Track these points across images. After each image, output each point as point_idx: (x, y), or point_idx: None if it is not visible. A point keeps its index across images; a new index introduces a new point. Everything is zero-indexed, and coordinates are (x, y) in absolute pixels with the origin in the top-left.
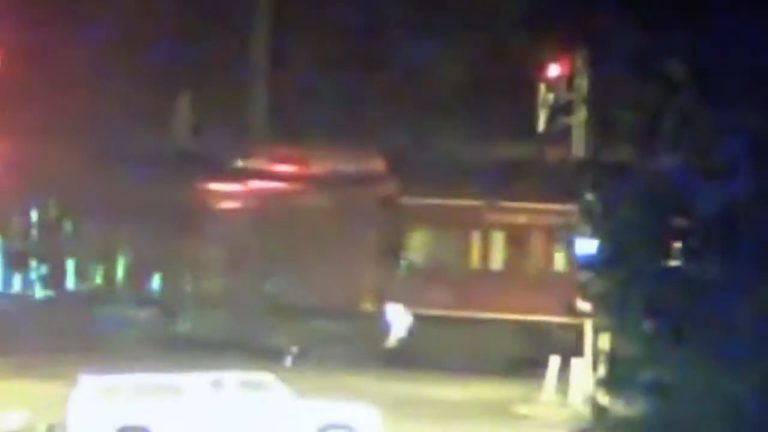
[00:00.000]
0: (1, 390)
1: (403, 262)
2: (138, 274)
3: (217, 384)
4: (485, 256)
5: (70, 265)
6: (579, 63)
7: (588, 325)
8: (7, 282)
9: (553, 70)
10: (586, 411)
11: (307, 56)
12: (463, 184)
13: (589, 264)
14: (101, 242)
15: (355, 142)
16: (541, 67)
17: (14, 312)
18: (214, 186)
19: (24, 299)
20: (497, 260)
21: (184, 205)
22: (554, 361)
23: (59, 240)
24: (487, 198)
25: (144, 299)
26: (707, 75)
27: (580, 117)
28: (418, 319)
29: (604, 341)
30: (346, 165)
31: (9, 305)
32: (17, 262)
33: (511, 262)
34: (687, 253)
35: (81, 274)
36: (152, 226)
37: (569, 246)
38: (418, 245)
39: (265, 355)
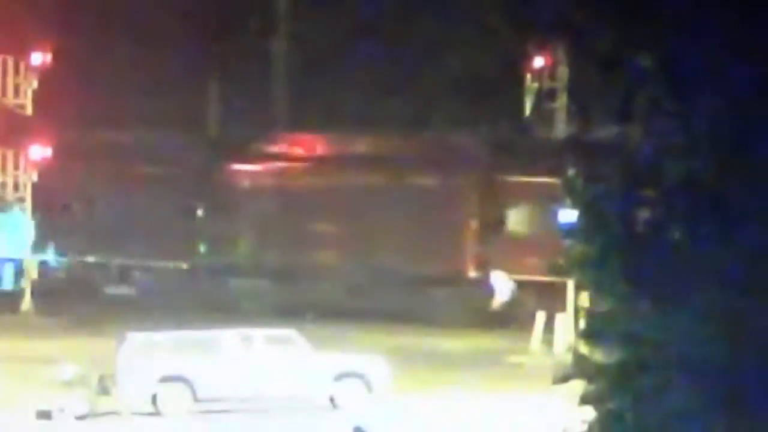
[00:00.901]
0: None
1: (504, 234)
2: (258, 250)
3: (246, 339)
4: None
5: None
6: (560, 55)
7: (570, 284)
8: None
9: (538, 62)
10: (568, 359)
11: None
12: (542, 163)
13: (570, 231)
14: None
15: (377, 128)
16: (527, 59)
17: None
18: (330, 169)
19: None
20: None
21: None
22: (540, 316)
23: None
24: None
25: (265, 271)
26: (672, 66)
27: (562, 102)
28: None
29: (584, 298)
30: (450, 147)
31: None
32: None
33: None
34: (654, 222)
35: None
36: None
37: None
38: (516, 218)
39: (373, 320)
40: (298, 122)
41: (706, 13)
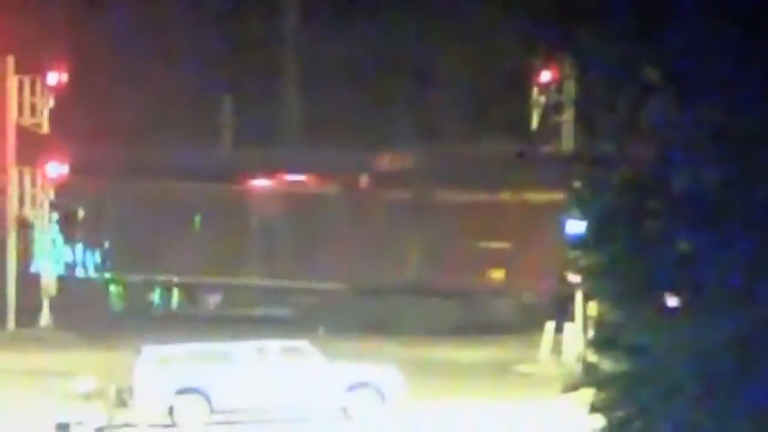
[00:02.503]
0: None
1: None
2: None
3: (261, 351)
4: None
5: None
6: (567, 69)
7: (578, 295)
8: None
9: (545, 76)
10: (577, 368)
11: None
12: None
13: (578, 242)
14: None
15: (385, 145)
16: (534, 73)
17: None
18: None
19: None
20: None
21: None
22: (549, 326)
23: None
24: None
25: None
26: (677, 79)
27: (568, 116)
28: None
29: (592, 308)
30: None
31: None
32: None
33: None
34: (661, 232)
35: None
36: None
37: None
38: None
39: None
40: (310, 134)
41: (710, 26)
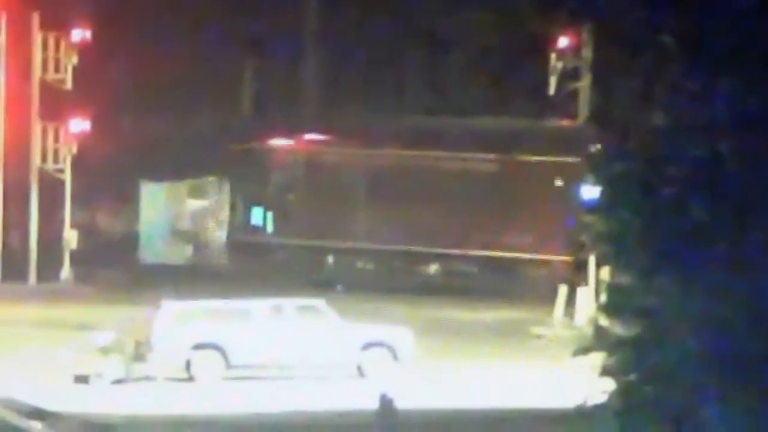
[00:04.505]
0: None
1: None
2: None
3: (277, 309)
4: None
5: None
6: (584, 36)
7: (591, 259)
8: None
9: (563, 42)
10: (589, 332)
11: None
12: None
13: (593, 207)
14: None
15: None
16: (552, 39)
17: None
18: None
19: None
20: None
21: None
22: (563, 289)
23: None
24: None
25: None
26: (693, 47)
27: (585, 82)
28: None
29: (605, 272)
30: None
31: None
32: None
33: None
34: (675, 199)
35: None
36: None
37: None
38: None
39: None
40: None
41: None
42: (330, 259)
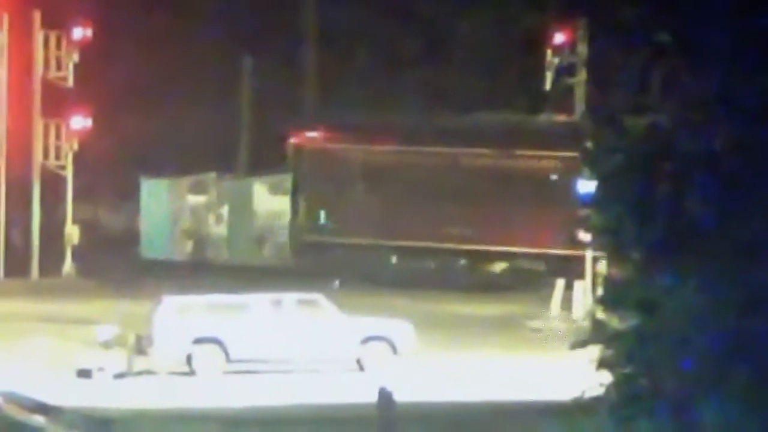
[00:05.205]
0: None
1: None
2: None
3: (276, 303)
4: None
5: None
6: (580, 32)
7: (588, 253)
8: None
9: (558, 38)
10: (586, 325)
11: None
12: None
13: (589, 201)
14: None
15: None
16: (548, 35)
17: None
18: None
19: None
20: None
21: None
22: (560, 283)
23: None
24: None
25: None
26: (688, 43)
27: (581, 77)
28: None
29: (602, 266)
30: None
31: None
32: None
33: None
34: (671, 193)
35: None
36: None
37: None
38: None
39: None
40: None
41: None
42: (393, 258)
